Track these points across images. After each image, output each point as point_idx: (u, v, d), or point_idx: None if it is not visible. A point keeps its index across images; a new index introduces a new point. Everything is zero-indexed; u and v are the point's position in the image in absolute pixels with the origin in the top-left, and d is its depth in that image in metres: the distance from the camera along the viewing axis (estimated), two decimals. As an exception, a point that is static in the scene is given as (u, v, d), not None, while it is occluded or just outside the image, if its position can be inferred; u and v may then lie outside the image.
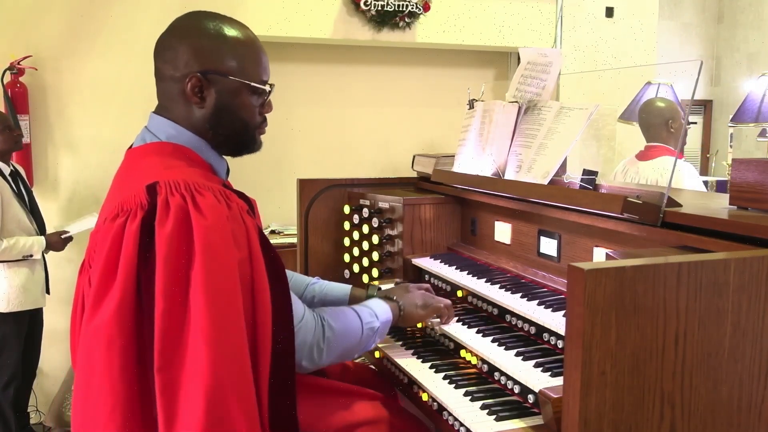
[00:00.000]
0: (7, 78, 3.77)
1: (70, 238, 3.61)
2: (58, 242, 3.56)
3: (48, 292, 3.65)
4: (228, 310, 1.25)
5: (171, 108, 1.47)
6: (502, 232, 2.19)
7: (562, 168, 1.92)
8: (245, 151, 1.56)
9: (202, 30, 1.44)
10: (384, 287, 2.03)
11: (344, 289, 1.98)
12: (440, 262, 2.26)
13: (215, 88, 1.44)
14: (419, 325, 1.99)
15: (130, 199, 1.31)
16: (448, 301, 1.91)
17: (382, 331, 1.73)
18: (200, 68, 1.42)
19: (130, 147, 1.51)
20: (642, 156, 3.60)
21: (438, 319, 1.89)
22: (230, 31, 1.46)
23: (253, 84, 1.47)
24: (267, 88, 1.50)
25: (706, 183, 4.81)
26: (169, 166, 1.37)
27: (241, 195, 1.43)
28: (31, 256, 3.44)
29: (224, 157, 1.55)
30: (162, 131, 1.46)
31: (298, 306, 1.49)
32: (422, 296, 1.88)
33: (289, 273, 1.95)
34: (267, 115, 1.56)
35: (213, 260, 1.25)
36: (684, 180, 3.29)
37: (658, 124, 3.56)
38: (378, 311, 1.73)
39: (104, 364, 1.25)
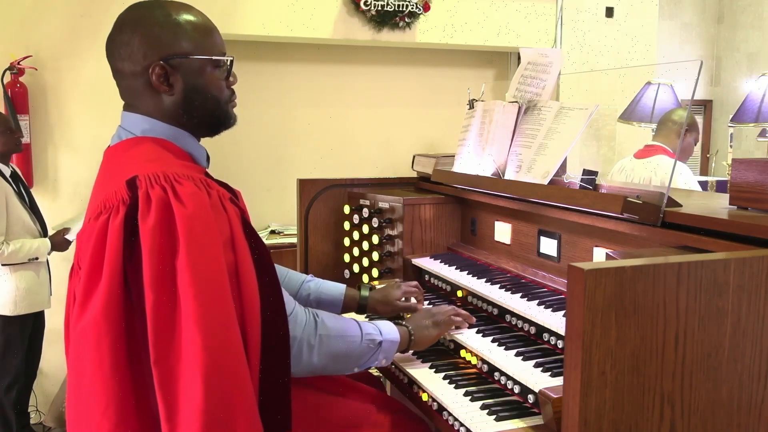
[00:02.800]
0: (7, 78, 3.77)
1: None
2: (62, 242, 3.56)
3: (50, 292, 3.65)
4: (216, 296, 1.25)
5: (139, 104, 1.46)
6: (502, 232, 2.19)
7: (562, 168, 1.92)
8: (222, 128, 1.55)
9: (151, 19, 1.44)
10: (379, 287, 2.03)
11: (339, 288, 1.96)
12: (440, 262, 2.26)
13: (180, 71, 1.43)
14: None
15: (111, 195, 1.32)
16: (452, 309, 1.83)
17: (388, 349, 1.65)
18: (160, 56, 1.42)
19: (108, 146, 1.51)
20: (639, 154, 3.62)
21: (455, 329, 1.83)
22: (178, 14, 1.46)
23: (214, 57, 1.47)
24: (227, 59, 1.50)
25: (705, 183, 4.82)
26: (148, 160, 1.37)
27: (222, 185, 1.42)
28: (37, 258, 3.44)
29: (203, 146, 1.54)
30: (136, 127, 1.46)
31: (287, 299, 1.47)
32: (428, 315, 1.80)
33: (283, 270, 1.93)
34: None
35: (197, 248, 1.25)
36: (678, 181, 3.29)
37: (671, 129, 3.57)
38: (382, 328, 1.66)
39: (95, 362, 1.25)
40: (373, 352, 1.63)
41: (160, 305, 1.22)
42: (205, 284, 1.24)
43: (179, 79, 1.44)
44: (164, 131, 1.46)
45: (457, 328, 1.82)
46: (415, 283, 2.05)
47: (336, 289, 1.96)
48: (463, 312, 1.84)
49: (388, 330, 1.67)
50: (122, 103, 1.52)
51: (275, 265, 1.93)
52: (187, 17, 1.46)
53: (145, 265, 1.23)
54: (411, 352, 1.90)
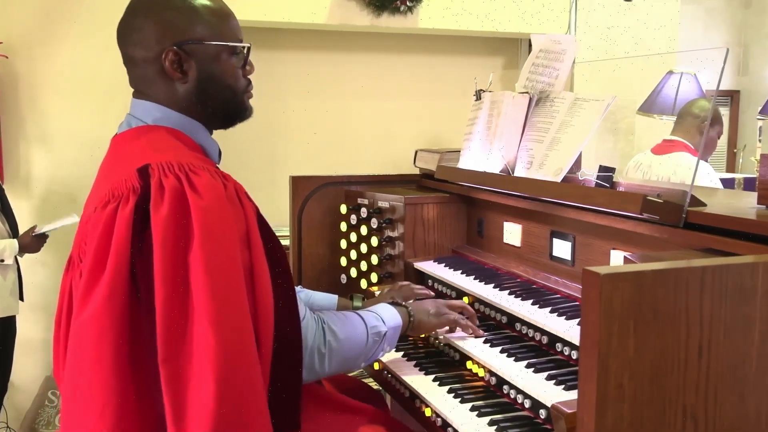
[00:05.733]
0: (-24, 67, 3.77)
1: (45, 238, 3.60)
2: (31, 243, 3.55)
3: (22, 298, 3.65)
4: (232, 293, 1.27)
5: (151, 92, 1.49)
6: (512, 233, 2.20)
7: (577, 164, 1.92)
8: (237, 120, 1.59)
9: (165, 3, 1.47)
10: (377, 292, 2.05)
11: (331, 299, 2.02)
12: (444, 266, 2.27)
13: (194, 58, 1.46)
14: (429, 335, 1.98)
15: (120, 184, 1.33)
16: (465, 306, 1.90)
17: (391, 337, 1.73)
18: (174, 41, 1.44)
19: (115, 134, 1.53)
20: (658, 150, 3.61)
21: (451, 333, 1.88)
22: None
23: (230, 44, 1.49)
24: (245, 45, 1.53)
25: (732, 180, 4.82)
26: (160, 149, 1.39)
27: None
28: (2, 261, 3.44)
29: (216, 140, 1.57)
30: (148, 115, 1.48)
31: (299, 303, 1.50)
32: (434, 303, 1.88)
33: None
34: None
35: (212, 242, 1.27)
36: (699, 179, 3.30)
37: (691, 122, 3.57)
38: (385, 316, 1.73)
39: (94, 359, 1.26)
40: (378, 345, 1.70)
41: (172, 301, 1.24)
42: (220, 280, 1.25)
43: (193, 66, 1.46)
44: (177, 121, 1.48)
45: (462, 327, 1.86)
46: (407, 283, 2.10)
47: (327, 300, 2.02)
48: (470, 309, 1.89)
49: (390, 316, 1.74)
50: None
51: None
52: (203, 1, 1.48)
53: (156, 258, 1.25)
54: (413, 363, 1.91)
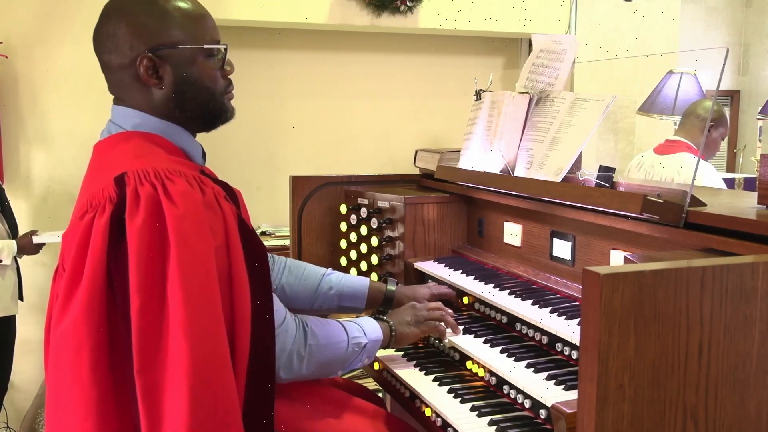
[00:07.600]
0: (-24, 66, 3.77)
1: (43, 244, 3.61)
2: (30, 245, 3.55)
3: (21, 298, 3.65)
4: (206, 303, 1.27)
5: (129, 98, 1.48)
6: (512, 233, 2.20)
7: (577, 164, 1.92)
8: (218, 122, 1.57)
9: (137, 6, 1.45)
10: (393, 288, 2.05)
11: (363, 281, 2.01)
12: (445, 266, 2.27)
13: (170, 63, 1.45)
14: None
15: (98, 193, 1.33)
16: (442, 308, 1.89)
17: (370, 350, 1.73)
18: (148, 47, 1.43)
19: (97, 142, 1.53)
20: (660, 150, 3.61)
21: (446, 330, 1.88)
22: (165, 1, 1.46)
23: (206, 46, 1.48)
24: (221, 46, 1.51)
25: (732, 180, 4.83)
26: (138, 155, 1.39)
27: (220, 183, 1.44)
28: (0, 261, 3.44)
29: (198, 141, 1.56)
30: (127, 121, 1.47)
31: (278, 307, 1.50)
32: (411, 311, 1.86)
33: (301, 264, 2.00)
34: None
35: (188, 251, 1.26)
36: (703, 180, 3.30)
37: (695, 123, 3.57)
38: (366, 328, 1.73)
39: (73, 369, 1.27)
40: (357, 355, 1.69)
41: (147, 310, 1.24)
42: (195, 290, 1.25)
43: (169, 71, 1.45)
44: (156, 126, 1.47)
45: (441, 333, 1.86)
46: (438, 285, 2.10)
47: (359, 282, 2.01)
48: (451, 320, 1.87)
49: (371, 329, 1.74)
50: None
51: (293, 260, 2.00)
52: (176, 3, 1.47)
53: (131, 267, 1.24)
54: (413, 363, 1.91)
